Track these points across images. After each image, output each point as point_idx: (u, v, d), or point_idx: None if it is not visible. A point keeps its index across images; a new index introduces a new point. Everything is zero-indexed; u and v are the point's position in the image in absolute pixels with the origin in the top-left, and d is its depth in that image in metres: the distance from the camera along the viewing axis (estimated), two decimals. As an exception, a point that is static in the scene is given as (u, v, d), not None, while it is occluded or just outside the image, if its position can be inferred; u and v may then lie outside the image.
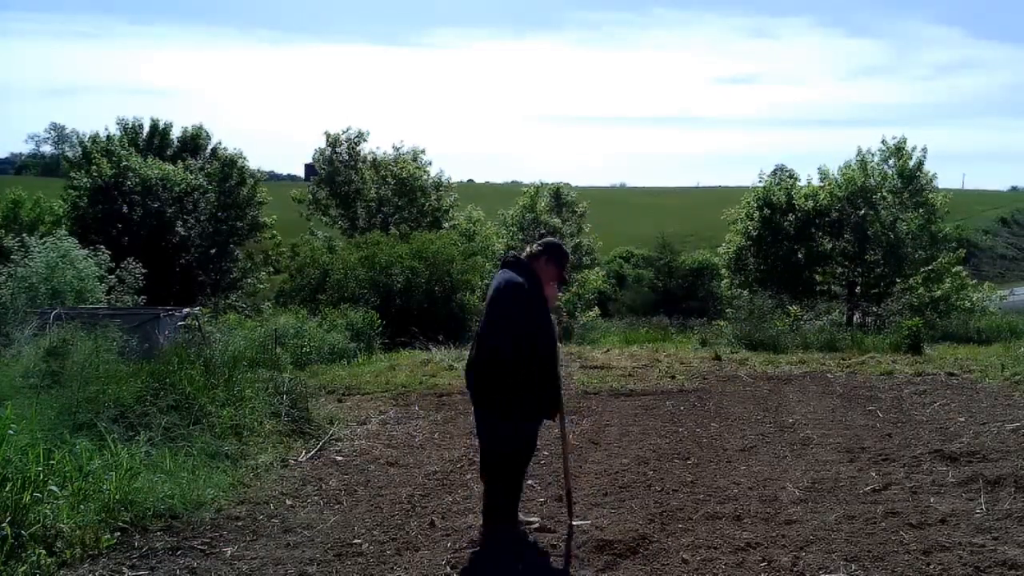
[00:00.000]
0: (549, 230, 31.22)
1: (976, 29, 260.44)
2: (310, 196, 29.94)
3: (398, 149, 29.95)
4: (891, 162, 24.36)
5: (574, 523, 4.41)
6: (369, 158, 29.56)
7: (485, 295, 4.35)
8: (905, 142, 24.40)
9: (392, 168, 28.92)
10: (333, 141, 29.88)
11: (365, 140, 30.05)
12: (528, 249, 4.36)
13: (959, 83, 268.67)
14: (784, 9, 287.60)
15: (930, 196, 23.98)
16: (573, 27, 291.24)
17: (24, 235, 14.50)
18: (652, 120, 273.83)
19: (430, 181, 29.65)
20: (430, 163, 30.15)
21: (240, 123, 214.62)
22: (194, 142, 27.95)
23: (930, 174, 24.27)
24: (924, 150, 24.30)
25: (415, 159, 29.78)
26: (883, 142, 24.70)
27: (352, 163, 29.43)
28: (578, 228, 34.78)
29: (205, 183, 24.95)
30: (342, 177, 29.13)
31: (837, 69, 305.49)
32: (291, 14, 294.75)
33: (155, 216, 22.82)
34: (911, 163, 24.17)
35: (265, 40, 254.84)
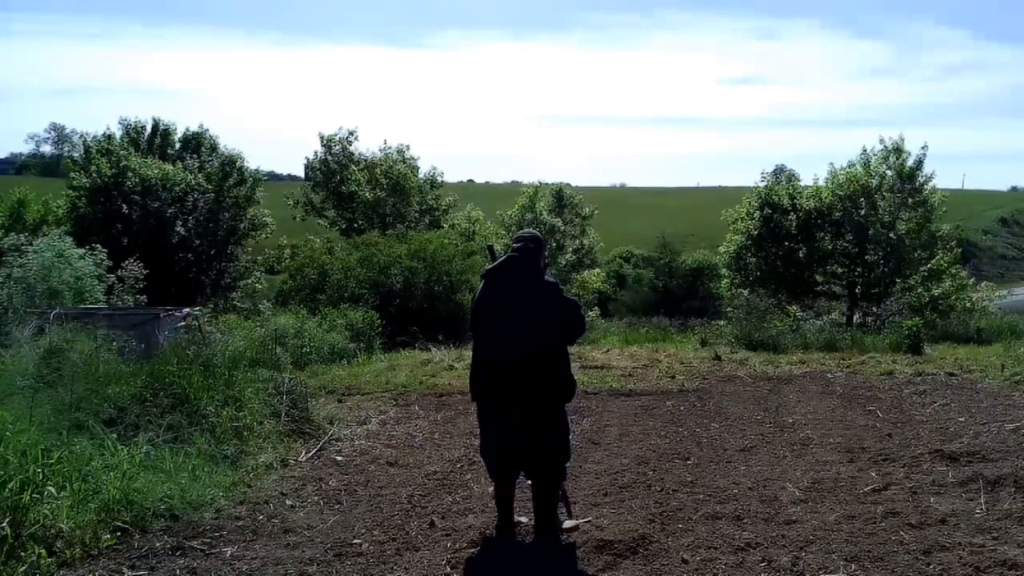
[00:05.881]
0: (549, 230, 31.30)
1: (981, 30, 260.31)
2: (305, 198, 29.98)
3: (383, 150, 30.07)
4: (890, 161, 24.40)
5: (566, 524, 4.40)
6: (361, 160, 29.65)
7: (495, 291, 4.34)
8: (903, 141, 24.44)
9: (384, 168, 28.98)
10: (328, 142, 29.96)
11: (356, 139, 30.22)
12: (525, 245, 4.39)
13: (962, 84, 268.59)
14: (791, 11, 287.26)
15: (929, 195, 24.00)
16: (578, 28, 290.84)
17: (16, 234, 14.48)
18: (652, 120, 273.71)
19: (423, 179, 29.70)
20: (418, 159, 30.30)
21: (244, 124, 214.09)
22: (196, 142, 27.94)
23: (927, 172, 24.32)
24: (924, 147, 24.37)
25: (401, 156, 29.84)
26: (881, 141, 24.76)
27: (346, 163, 29.50)
28: (582, 230, 34.87)
29: (204, 183, 24.92)
30: (337, 178, 29.19)
31: (842, 70, 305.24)
32: (298, 16, 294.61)
33: (155, 216, 22.80)
34: (910, 162, 24.21)
35: (272, 42, 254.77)
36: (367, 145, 32.38)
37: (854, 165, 24.62)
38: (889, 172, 24.23)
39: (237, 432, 5.87)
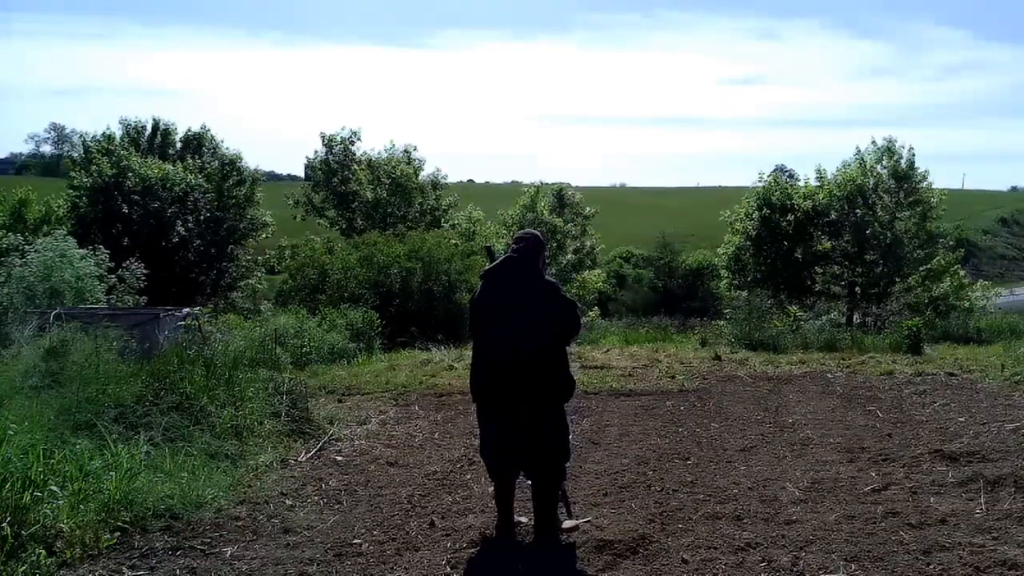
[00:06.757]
0: (550, 230, 31.31)
1: (981, 30, 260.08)
2: (305, 198, 29.92)
3: (389, 151, 29.99)
4: (884, 162, 24.44)
5: (566, 524, 4.40)
6: (364, 160, 29.57)
7: (494, 291, 4.35)
8: (894, 142, 24.47)
9: (386, 168, 28.93)
10: (329, 142, 29.90)
11: (359, 139, 30.12)
12: (524, 245, 4.39)
13: (962, 84, 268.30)
14: (791, 11, 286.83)
15: (925, 195, 24.03)
16: (579, 29, 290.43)
17: (15, 234, 14.50)
18: (652, 120, 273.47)
19: (425, 179, 29.66)
20: (423, 161, 30.17)
21: (245, 123, 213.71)
22: (197, 142, 27.96)
23: (921, 171, 24.34)
24: (911, 149, 24.40)
25: (407, 158, 29.76)
26: (873, 142, 24.79)
27: (348, 163, 29.43)
28: (583, 230, 34.91)
29: (204, 183, 24.92)
30: (338, 178, 29.13)
31: (843, 71, 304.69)
32: (299, 16, 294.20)
33: (155, 216, 22.81)
34: (902, 162, 24.24)
35: (273, 42, 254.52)
36: (369, 145, 32.26)
37: (849, 165, 24.66)
38: (883, 172, 24.29)
39: (237, 432, 5.88)
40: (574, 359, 10.58)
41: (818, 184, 24.89)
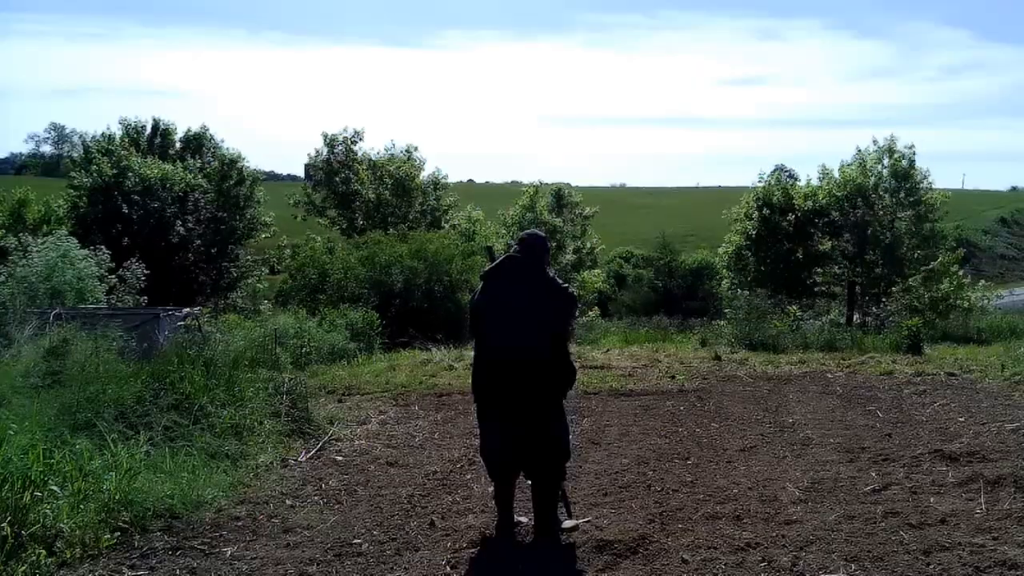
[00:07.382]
0: (549, 230, 31.30)
1: (982, 30, 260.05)
2: (306, 198, 29.90)
3: (389, 150, 29.97)
4: (885, 161, 24.43)
5: (566, 524, 4.40)
6: (366, 159, 29.56)
7: (493, 291, 4.35)
8: (895, 142, 24.45)
9: (389, 168, 28.93)
10: (330, 142, 29.88)
11: (361, 139, 30.08)
12: (524, 244, 4.39)
13: (962, 84, 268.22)
14: (793, 11, 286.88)
15: (925, 195, 24.02)
16: (580, 29, 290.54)
17: (20, 235, 14.52)
18: (652, 120, 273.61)
19: (426, 179, 29.65)
20: (424, 161, 30.15)
21: (245, 124, 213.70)
22: (197, 142, 27.96)
23: (923, 171, 24.33)
24: (911, 147, 24.38)
25: (408, 157, 29.75)
26: (874, 142, 24.77)
27: (349, 163, 29.42)
28: (582, 230, 34.93)
29: (204, 183, 24.92)
30: (339, 177, 29.11)
31: (844, 71, 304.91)
32: (301, 16, 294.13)
33: (155, 216, 22.81)
34: (903, 162, 24.22)
35: (274, 42, 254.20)
36: (370, 144, 32.20)
37: (849, 165, 24.65)
38: (884, 172, 24.28)
39: (237, 432, 5.88)
40: (574, 359, 10.58)
41: (819, 183, 24.88)
